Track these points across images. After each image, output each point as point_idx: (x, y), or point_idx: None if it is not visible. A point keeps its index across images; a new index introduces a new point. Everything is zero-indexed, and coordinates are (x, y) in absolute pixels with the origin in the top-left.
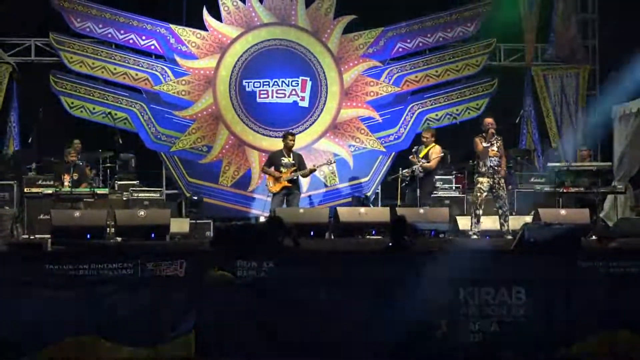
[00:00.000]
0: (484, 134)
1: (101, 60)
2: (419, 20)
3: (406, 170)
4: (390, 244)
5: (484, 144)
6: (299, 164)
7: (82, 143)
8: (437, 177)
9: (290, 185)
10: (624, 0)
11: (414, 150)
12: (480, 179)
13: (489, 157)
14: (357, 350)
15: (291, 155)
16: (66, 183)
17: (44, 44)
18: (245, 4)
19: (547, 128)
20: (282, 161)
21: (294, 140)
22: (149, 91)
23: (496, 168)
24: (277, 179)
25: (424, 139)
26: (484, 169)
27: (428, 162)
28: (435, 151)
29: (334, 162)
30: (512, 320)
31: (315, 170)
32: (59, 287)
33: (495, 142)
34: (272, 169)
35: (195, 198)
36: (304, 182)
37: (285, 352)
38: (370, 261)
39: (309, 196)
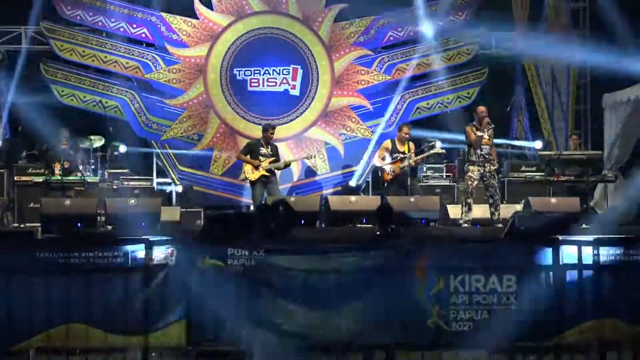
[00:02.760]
0: (475, 122)
1: (92, 48)
2: (410, 8)
3: (404, 166)
4: (378, 233)
5: (478, 133)
6: (276, 155)
7: (71, 132)
8: (427, 166)
9: (267, 174)
10: None
11: (395, 157)
12: (471, 168)
13: (481, 145)
14: (348, 338)
15: (269, 146)
16: (56, 171)
17: (34, 32)
18: None
19: (539, 116)
20: (261, 151)
21: (273, 134)
22: (139, 79)
23: (487, 157)
24: (256, 167)
25: (405, 135)
26: (474, 158)
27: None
28: (413, 146)
29: (314, 156)
30: (502, 308)
31: (292, 162)
32: (49, 275)
33: (487, 130)
34: (248, 156)
35: (180, 191)
36: (295, 171)
37: (276, 339)
38: (360, 249)
39: (301, 184)
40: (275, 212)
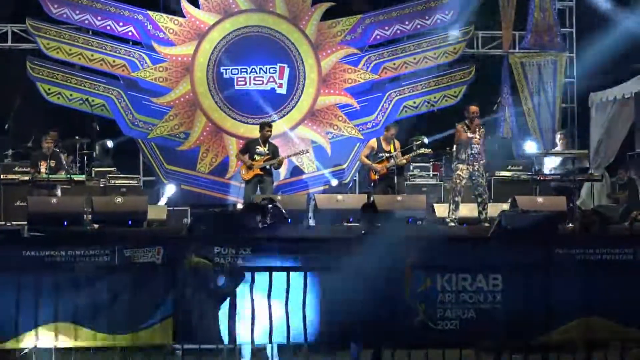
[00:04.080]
0: (466, 122)
1: (78, 46)
2: (397, 7)
3: (391, 165)
4: (363, 231)
5: (469, 134)
6: (273, 154)
7: (57, 130)
8: (413, 165)
9: (262, 173)
10: None
11: (381, 156)
12: (460, 166)
13: (471, 145)
14: (334, 337)
15: (267, 145)
16: (43, 170)
17: (20, 30)
18: None
19: (525, 115)
20: (257, 150)
21: (270, 131)
22: (126, 78)
23: (476, 156)
24: (249, 167)
25: (392, 135)
26: (464, 156)
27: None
28: (399, 145)
29: (307, 151)
30: (489, 307)
31: (286, 158)
32: (35, 274)
33: (477, 129)
34: (247, 156)
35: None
36: (282, 169)
37: (264, 338)
38: (346, 247)
39: (287, 183)
40: (262, 211)
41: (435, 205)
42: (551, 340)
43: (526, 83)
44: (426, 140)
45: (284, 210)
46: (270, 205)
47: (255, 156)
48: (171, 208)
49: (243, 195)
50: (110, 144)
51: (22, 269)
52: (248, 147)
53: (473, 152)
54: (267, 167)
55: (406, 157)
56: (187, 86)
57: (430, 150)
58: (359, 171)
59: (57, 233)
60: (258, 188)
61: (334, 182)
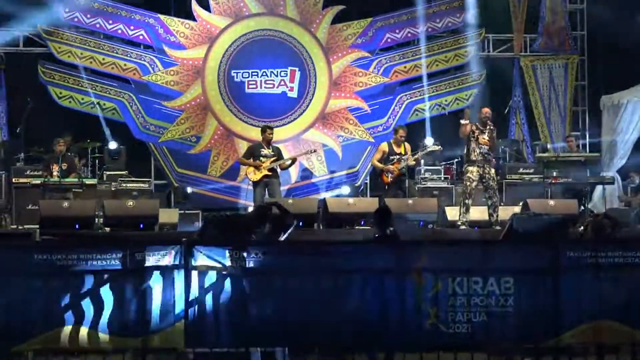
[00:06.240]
0: (477, 123)
1: (89, 50)
2: (408, 10)
3: (402, 166)
4: (377, 235)
5: (476, 132)
6: (278, 155)
7: (71, 136)
8: (424, 168)
9: (270, 174)
10: None
11: (392, 159)
12: (470, 168)
13: (480, 144)
14: (345, 339)
15: (270, 147)
16: (55, 173)
17: (32, 34)
18: None
19: (536, 118)
20: (262, 152)
21: (272, 134)
22: (137, 81)
23: (486, 156)
24: (257, 168)
25: (401, 137)
26: (473, 157)
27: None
28: (409, 147)
29: (315, 151)
30: (500, 310)
31: (296, 160)
32: (47, 277)
33: (487, 131)
34: (251, 160)
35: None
36: (293, 173)
37: (274, 342)
38: (358, 251)
39: (298, 187)
40: (270, 215)
41: (446, 208)
42: (562, 343)
43: (537, 86)
44: (430, 141)
45: (293, 214)
46: (277, 209)
47: (262, 158)
48: (182, 211)
49: (253, 199)
50: (112, 145)
51: (33, 272)
52: (252, 151)
53: (483, 151)
54: (275, 167)
55: (416, 155)
56: (198, 90)
57: (440, 147)
58: (370, 174)
59: (69, 236)
60: (266, 190)
61: (345, 190)
